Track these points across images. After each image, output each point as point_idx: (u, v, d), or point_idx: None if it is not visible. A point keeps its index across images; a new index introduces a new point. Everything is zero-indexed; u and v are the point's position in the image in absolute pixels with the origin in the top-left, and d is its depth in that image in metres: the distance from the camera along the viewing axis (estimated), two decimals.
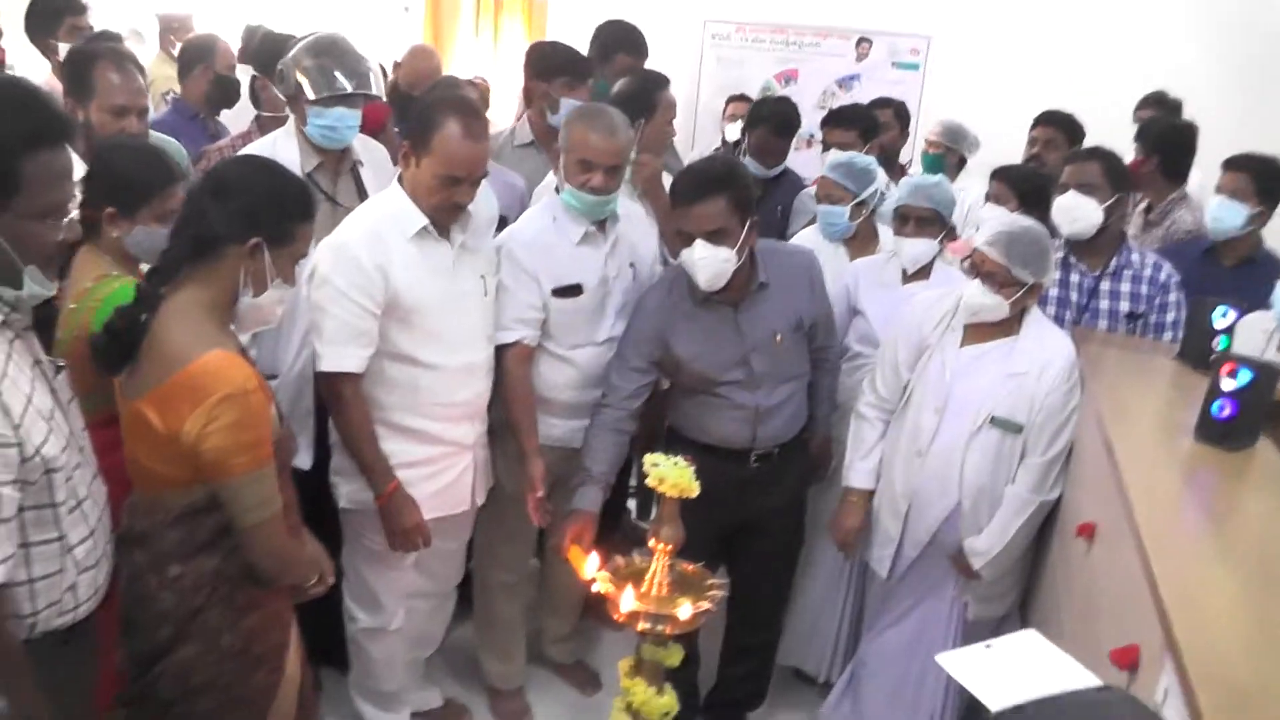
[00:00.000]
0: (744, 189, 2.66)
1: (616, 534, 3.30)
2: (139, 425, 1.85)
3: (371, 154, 3.06)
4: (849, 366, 3.19)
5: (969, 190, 4.35)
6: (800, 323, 2.84)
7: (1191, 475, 2.15)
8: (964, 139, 4.77)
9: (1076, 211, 3.12)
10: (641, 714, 2.29)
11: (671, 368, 2.83)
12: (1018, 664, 1.36)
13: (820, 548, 3.20)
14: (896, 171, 4.56)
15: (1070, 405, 2.65)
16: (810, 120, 5.21)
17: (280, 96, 3.08)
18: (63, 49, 3.59)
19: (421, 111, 2.56)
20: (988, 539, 2.70)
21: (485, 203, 2.83)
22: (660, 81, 3.38)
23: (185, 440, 1.80)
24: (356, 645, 2.92)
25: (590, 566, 2.32)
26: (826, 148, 4.16)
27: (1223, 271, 3.40)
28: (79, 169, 1.97)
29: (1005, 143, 4.55)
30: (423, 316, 2.57)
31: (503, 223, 3.00)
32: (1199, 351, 2.65)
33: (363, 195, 2.92)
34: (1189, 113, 4.58)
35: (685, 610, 2.18)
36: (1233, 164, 3.46)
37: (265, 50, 3.92)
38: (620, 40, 4.07)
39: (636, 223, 3.04)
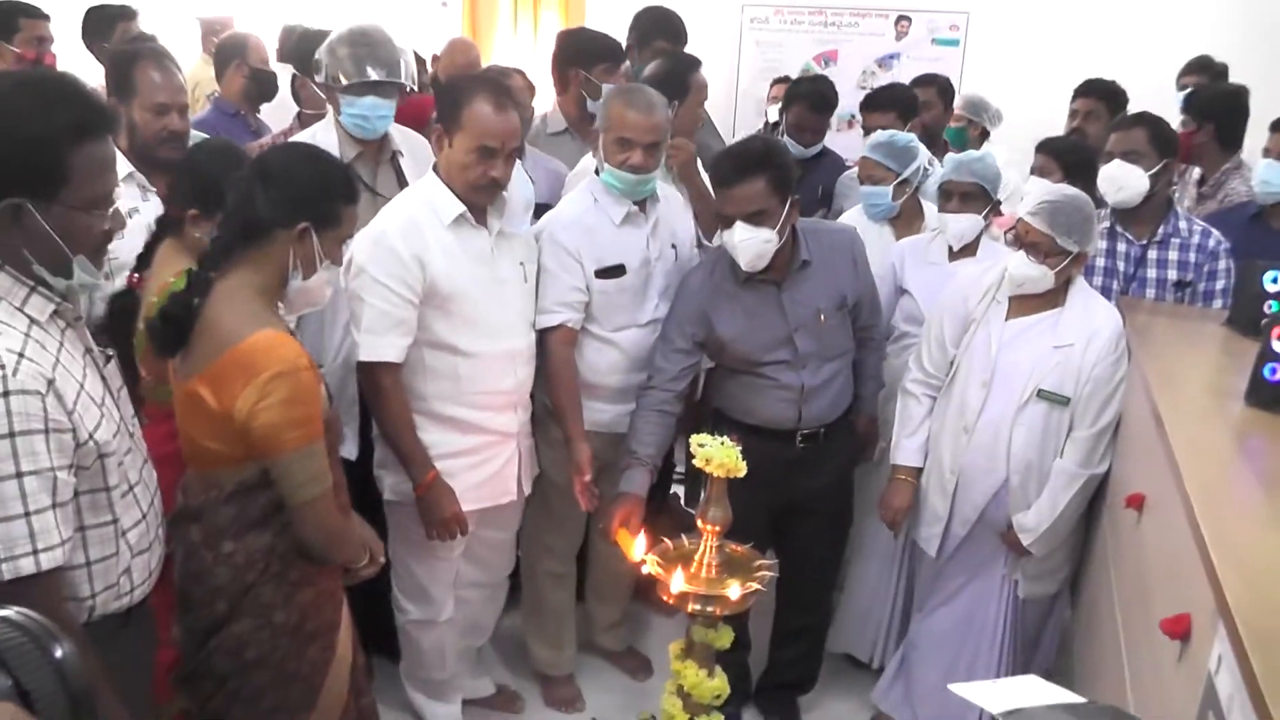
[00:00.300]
0: (783, 169, 2.65)
1: (663, 517, 3.30)
2: (193, 404, 1.89)
3: (411, 145, 3.07)
4: (896, 348, 3.17)
5: None
6: (844, 301, 2.83)
7: (1242, 440, 2.10)
8: (985, 111, 4.74)
9: (1122, 179, 3.07)
10: (693, 697, 2.29)
11: (715, 349, 2.83)
12: (1022, 692, 1.37)
13: (871, 532, 3.18)
14: (941, 148, 4.51)
15: (1117, 376, 2.61)
16: (851, 101, 5.16)
17: (320, 94, 3.11)
18: None
19: (449, 93, 2.59)
20: (1036, 515, 2.67)
21: (520, 188, 2.84)
22: (692, 63, 3.37)
23: (238, 417, 1.84)
24: (406, 636, 2.95)
25: (638, 548, 2.33)
26: (867, 132, 4.13)
27: (1273, 235, 3.31)
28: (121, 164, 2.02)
29: (1046, 114, 4.47)
30: (461, 304, 2.58)
31: (547, 210, 3.00)
32: (1249, 316, 2.59)
33: (402, 185, 2.94)
34: (1232, 77, 4.49)
35: (734, 590, 2.18)
36: None
37: (304, 48, 3.95)
38: (659, 26, 4.08)
39: (674, 205, 3.03)
